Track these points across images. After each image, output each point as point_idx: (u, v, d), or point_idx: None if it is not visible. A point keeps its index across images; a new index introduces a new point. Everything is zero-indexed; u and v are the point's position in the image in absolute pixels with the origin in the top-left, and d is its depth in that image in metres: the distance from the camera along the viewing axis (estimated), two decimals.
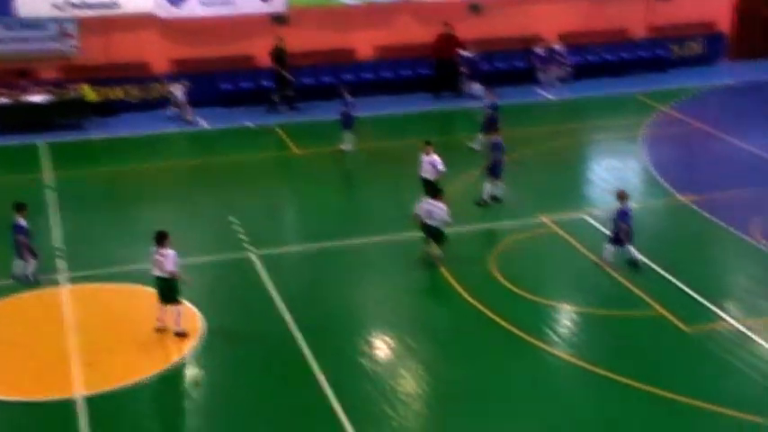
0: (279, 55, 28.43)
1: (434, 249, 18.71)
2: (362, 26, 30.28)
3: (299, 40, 28.92)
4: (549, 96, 30.56)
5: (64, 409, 14.37)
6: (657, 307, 17.07)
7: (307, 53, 29.30)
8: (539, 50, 31.40)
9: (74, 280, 18.29)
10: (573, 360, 15.58)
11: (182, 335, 16.16)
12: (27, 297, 17.78)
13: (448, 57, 29.92)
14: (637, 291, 17.68)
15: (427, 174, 20.69)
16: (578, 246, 19.51)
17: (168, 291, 16.13)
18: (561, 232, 20.16)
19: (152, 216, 21.38)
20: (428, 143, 20.98)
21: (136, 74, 28.70)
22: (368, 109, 27.23)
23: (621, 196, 18.58)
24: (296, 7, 29.40)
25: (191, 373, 15.52)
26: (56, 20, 27.59)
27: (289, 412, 14.34)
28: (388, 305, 17.66)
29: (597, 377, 15.10)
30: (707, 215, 21.00)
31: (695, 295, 17.47)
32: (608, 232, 19.23)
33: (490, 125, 23.81)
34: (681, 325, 16.50)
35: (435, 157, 20.65)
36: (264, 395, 14.77)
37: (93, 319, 16.93)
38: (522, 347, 15.97)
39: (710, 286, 17.91)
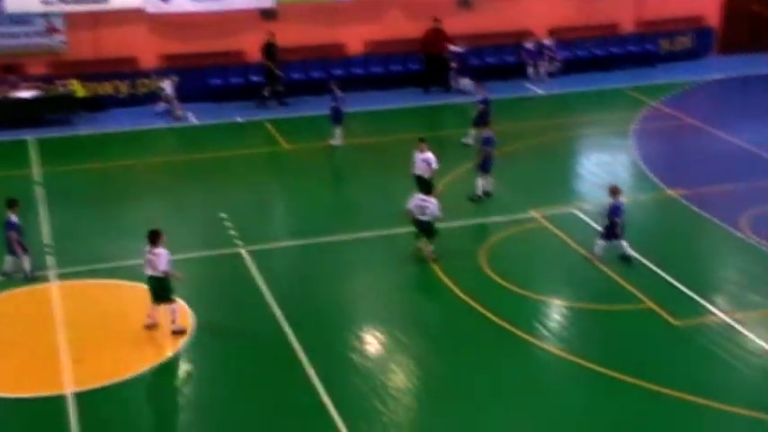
0: (269, 50, 28.38)
1: (426, 246, 18.71)
2: (352, 21, 30.23)
3: (289, 35, 28.86)
4: (539, 91, 30.59)
5: (53, 405, 14.34)
6: (646, 301, 17.13)
7: (296, 48, 29.24)
8: (528, 45, 31.42)
9: (62, 276, 18.23)
10: (563, 354, 15.62)
11: (179, 333, 16.08)
12: (16, 294, 17.72)
13: (436, 52, 29.89)
14: (626, 285, 17.73)
15: (421, 171, 20.50)
16: (568, 240, 19.55)
17: (161, 290, 16.05)
18: (551, 227, 20.19)
19: (141, 212, 21.34)
20: (422, 140, 20.83)
21: (125, 69, 28.61)
22: (357, 104, 27.21)
23: (614, 191, 18.61)
24: (285, 2, 29.33)
25: (181, 368, 15.50)
26: (44, 15, 27.48)
27: (279, 408, 14.34)
28: (379, 300, 17.67)
29: (587, 371, 15.15)
30: (696, 209, 21.06)
31: (684, 289, 17.53)
32: (598, 227, 19.29)
33: (481, 120, 23.82)
34: (670, 319, 16.56)
35: (429, 155, 20.48)
36: (255, 391, 14.76)
37: (82, 315, 16.89)
38: (513, 342, 16.00)
39: (699, 280, 17.98)
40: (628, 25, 33.37)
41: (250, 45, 29.03)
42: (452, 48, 29.86)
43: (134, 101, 28.46)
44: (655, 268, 18.29)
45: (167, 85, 27.77)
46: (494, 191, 21.67)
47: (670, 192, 22.12)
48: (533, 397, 14.57)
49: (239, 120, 27.77)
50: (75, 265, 18.56)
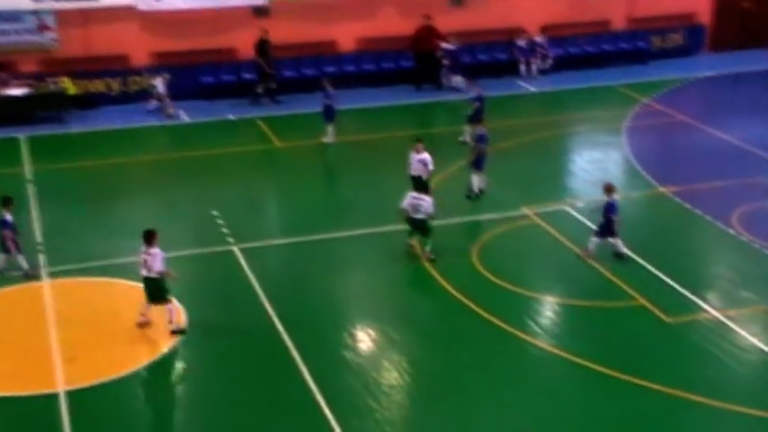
0: (262, 47, 28.33)
1: (421, 246, 18.70)
2: (344, 18, 30.20)
3: (281, 33, 28.81)
4: (531, 88, 30.61)
5: (46, 403, 14.30)
6: (639, 298, 17.16)
7: (288, 45, 29.20)
8: (521, 42, 31.43)
9: (54, 274, 18.18)
10: (555, 351, 15.64)
11: (178, 332, 16.02)
12: (8, 292, 17.67)
13: (427, 49, 29.89)
14: (618, 282, 17.76)
15: (417, 172, 20.09)
16: (560, 237, 19.57)
17: (157, 291, 15.99)
18: (543, 224, 20.21)
19: (133, 210, 21.32)
20: (419, 140, 20.43)
21: (116, 67, 28.54)
22: (349, 101, 27.19)
23: (608, 189, 18.63)
24: None
25: (173, 366, 15.48)
26: (34, 12, 27.39)
27: (271, 405, 14.33)
28: (371, 298, 17.67)
29: (579, 368, 15.16)
30: (688, 206, 21.10)
31: (676, 286, 17.57)
32: (590, 224, 19.32)
33: (476, 117, 23.79)
34: (662, 316, 16.59)
35: (426, 155, 20.14)
36: (247, 388, 14.75)
37: (74, 313, 16.85)
38: (505, 339, 16.01)
39: (691, 277, 18.01)
40: (619, 22, 33.41)
41: (242, 42, 28.99)
42: (444, 45, 29.85)
43: (125, 98, 28.40)
44: (647, 265, 18.32)
45: (159, 83, 27.70)
46: (486, 188, 21.67)
47: (662, 189, 22.15)
48: (525, 394, 14.59)
49: (231, 117, 27.72)
50: (67, 263, 18.50)
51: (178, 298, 16.77)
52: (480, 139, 21.56)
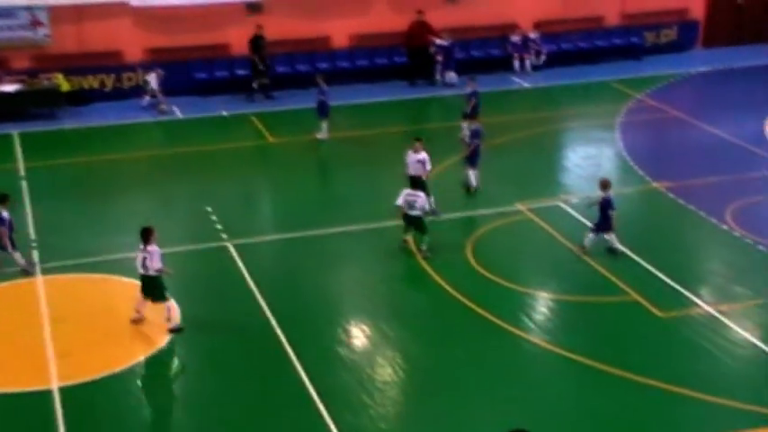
0: (256, 43, 28.29)
1: (416, 242, 18.70)
2: (337, 14, 30.18)
3: (274, 29, 28.77)
4: (525, 84, 30.63)
5: (40, 399, 14.29)
6: (632, 293, 17.19)
7: (281, 41, 29.17)
8: (514, 38, 31.43)
9: (48, 271, 18.15)
10: (548, 346, 15.66)
11: (176, 331, 16.00)
12: (1, 288, 17.63)
13: (421, 45, 29.89)
14: (612, 277, 17.79)
15: (416, 172, 19.73)
16: (554, 233, 19.60)
17: (155, 289, 15.97)
18: (537, 219, 20.23)
19: (126, 206, 21.32)
20: (418, 140, 20.03)
21: (109, 63, 28.49)
22: (343, 97, 27.18)
23: (604, 185, 18.65)
24: None
25: (167, 363, 15.48)
26: (27, 8, 27.32)
27: (265, 401, 14.34)
28: (365, 293, 17.68)
29: (572, 363, 15.19)
30: (681, 202, 21.14)
31: (669, 281, 17.60)
32: (583, 219, 19.34)
33: (474, 113, 23.75)
34: (655, 311, 16.62)
35: (425, 155, 19.82)
36: (241, 384, 14.74)
37: (68, 309, 16.83)
38: (499, 334, 16.03)
39: (684, 272, 18.04)
40: (613, 18, 33.41)
41: (235, 38, 28.97)
42: (438, 41, 29.85)
43: (119, 95, 28.38)
44: (640, 261, 18.35)
45: (152, 79, 27.67)
46: (480, 184, 21.67)
47: (655, 184, 22.19)
48: (519, 389, 14.61)
49: (224, 113, 27.70)
50: (61, 259, 18.48)
51: (171, 294, 16.77)
52: (475, 134, 21.56)
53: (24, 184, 22.33)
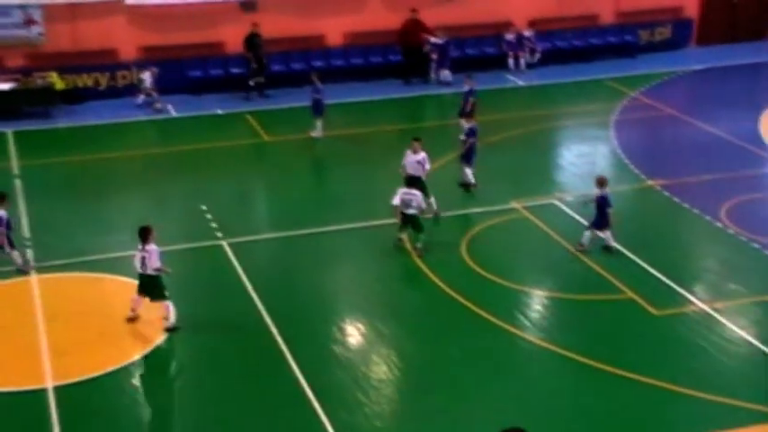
0: (252, 41, 28.26)
1: (411, 241, 18.70)
2: (332, 13, 30.16)
3: (269, 27, 28.76)
4: (520, 82, 30.64)
5: (34, 398, 14.27)
6: (627, 291, 17.21)
7: (276, 40, 29.15)
8: (509, 36, 31.45)
9: (43, 269, 18.12)
10: (543, 344, 15.68)
11: (173, 330, 15.97)
12: None
13: (415, 43, 29.89)
14: (606, 275, 17.81)
15: (415, 172, 19.59)
16: (549, 231, 19.61)
17: (154, 288, 15.93)
18: (532, 217, 20.25)
19: (121, 205, 21.29)
20: (416, 139, 19.87)
21: (104, 61, 28.45)
22: (338, 95, 27.17)
23: (601, 182, 18.68)
24: None
25: (162, 362, 15.46)
26: (21, 6, 27.26)
27: (260, 399, 14.33)
28: (360, 292, 17.68)
29: (567, 360, 15.20)
30: (676, 200, 21.17)
31: (664, 279, 17.63)
32: (578, 217, 19.37)
33: (472, 112, 23.73)
34: (650, 308, 16.65)
35: (424, 155, 19.69)
36: (236, 382, 14.74)
37: (63, 308, 16.80)
38: (494, 332, 16.04)
39: (679, 270, 18.07)
40: (607, 16, 33.45)
41: (230, 37, 28.94)
42: (432, 39, 29.85)
43: (113, 93, 28.32)
44: (635, 258, 18.38)
45: (147, 77, 27.65)
46: (476, 182, 21.67)
47: (650, 182, 22.22)
48: (514, 386, 14.62)
49: (219, 112, 27.68)
50: (56, 258, 18.44)
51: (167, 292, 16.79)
52: (471, 132, 21.57)
53: (18, 182, 22.30)
